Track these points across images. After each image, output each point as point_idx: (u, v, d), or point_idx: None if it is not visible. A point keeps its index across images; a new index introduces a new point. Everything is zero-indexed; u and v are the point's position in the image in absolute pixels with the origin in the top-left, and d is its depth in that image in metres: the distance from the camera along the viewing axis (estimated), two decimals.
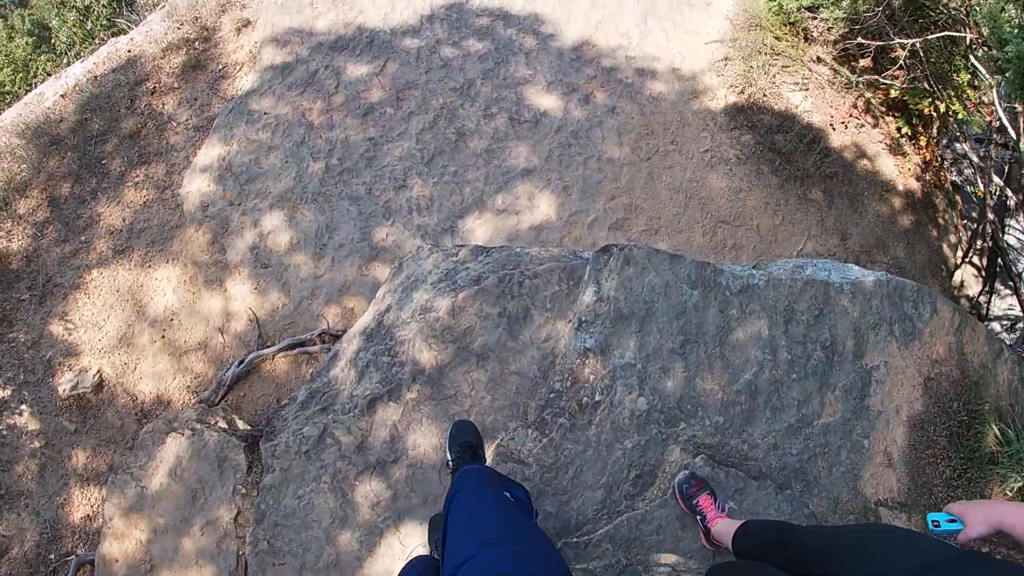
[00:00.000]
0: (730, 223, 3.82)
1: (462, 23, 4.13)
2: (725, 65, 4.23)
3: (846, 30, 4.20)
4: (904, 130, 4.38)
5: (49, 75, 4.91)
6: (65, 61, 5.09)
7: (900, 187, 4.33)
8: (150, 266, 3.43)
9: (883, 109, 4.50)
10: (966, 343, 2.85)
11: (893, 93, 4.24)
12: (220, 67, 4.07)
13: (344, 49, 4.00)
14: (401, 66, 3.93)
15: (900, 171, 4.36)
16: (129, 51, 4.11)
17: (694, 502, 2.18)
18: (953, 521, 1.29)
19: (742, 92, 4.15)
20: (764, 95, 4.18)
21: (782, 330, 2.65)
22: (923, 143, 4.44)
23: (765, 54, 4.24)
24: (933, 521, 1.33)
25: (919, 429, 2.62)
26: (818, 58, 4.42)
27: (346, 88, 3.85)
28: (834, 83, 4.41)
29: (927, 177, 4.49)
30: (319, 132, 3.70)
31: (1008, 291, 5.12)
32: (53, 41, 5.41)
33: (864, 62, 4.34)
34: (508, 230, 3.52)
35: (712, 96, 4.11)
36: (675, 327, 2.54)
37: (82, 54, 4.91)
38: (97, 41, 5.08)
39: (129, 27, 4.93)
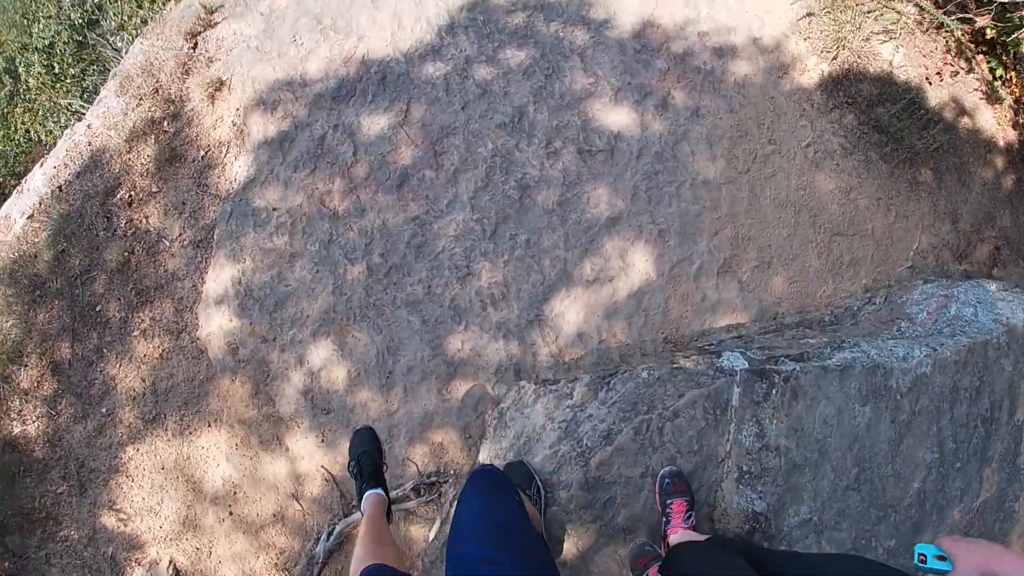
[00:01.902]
0: (844, 234, 3.28)
1: (492, 27, 3.20)
2: (809, 23, 3.46)
3: None
4: (999, 72, 3.76)
5: (28, 132, 4.70)
6: (40, 112, 4.75)
7: (1000, 142, 3.79)
8: (190, 433, 2.77)
9: (972, 47, 3.84)
10: None
11: (989, 33, 3.58)
12: (202, 154, 3.13)
13: (351, 97, 3.08)
14: (429, 105, 3.06)
15: (999, 122, 3.79)
16: (89, 144, 3.14)
17: (668, 501, 2.10)
18: (942, 559, 1.20)
19: (834, 58, 3.43)
20: (858, 57, 3.48)
21: (948, 418, 2.47)
22: (1014, 78, 3.84)
23: (854, 2, 3.47)
24: (920, 555, 1.24)
25: None
26: None
27: (367, 152, 2.99)
28: (922, 23, 3.70)
29: (1022, 120, 3.94)
30: (348, 222, 2.91)
31: None
32: (23, 89, 5.01)
33: None
34: (603, 304, 2.91)
35: (803, 68, 3.39)
36: (849, 459, 2.27)
37: (55, 99, 4.57)
38: (62, 104, 4.62)
39: (101, 47, 4.22)
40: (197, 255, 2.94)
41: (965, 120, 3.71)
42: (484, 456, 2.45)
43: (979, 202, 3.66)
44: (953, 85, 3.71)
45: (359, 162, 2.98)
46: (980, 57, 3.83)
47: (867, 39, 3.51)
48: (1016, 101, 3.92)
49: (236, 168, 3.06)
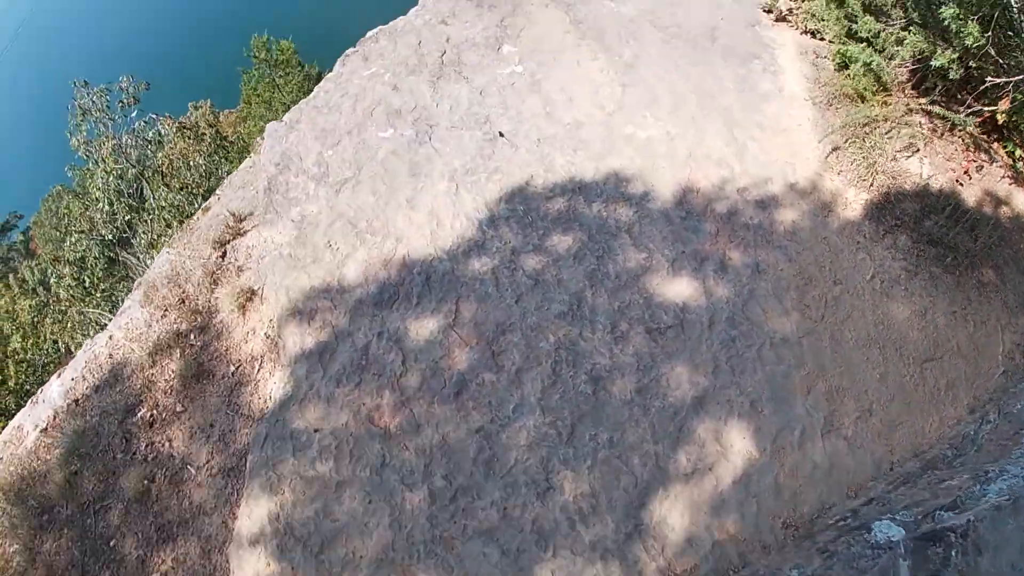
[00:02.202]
0: (934, 358, 3.11)
1: (534, 215, 3.16)
2: (838, 157, 3.47)
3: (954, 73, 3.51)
4: (1017, 153, 3.79)
5: (57, 342, 4.76)
6: (68, 325, 4.86)
7: None
8: None
9: (986, 138, 3.89)
10: None
11: (1000, 119, 3.62)
12: (232, 369, 2.96)
13: (394, 301, 2.96)
14: (479, 303, 2.94)
15: None
16: (110, 356, 2.98)
17: None
18: None
19: (871, 185, 3.41)
20: (892, 178, 3.47)
21: None
22: None
23: (872, 128, 3.50)
24: None
25: None
26: (909, 108, 3.72)
27: (417, 360, 2.82)
28: (936, 129, 3.74)
29: None
30: (403, 441, 2.67)
31: None
32: (52, 301, 5.27)
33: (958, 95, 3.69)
34: (708, 498, 2.63)
35: (844, 203, 3.35)
36: None
37: (84, 311, 4.67)
38: (92, 306, 4.73)
39: (132, 264, 4.24)
40: (227, 485, 2.67)
41: (1004, 209, 3.66)
42: None
43: None
44: (982, 180, 3.70)
45: (409, 371, 2.79)
46: (996, 145, 3.86)
47: (894, 159, 3.52)
48: None
49: (271, 385, 2.86)
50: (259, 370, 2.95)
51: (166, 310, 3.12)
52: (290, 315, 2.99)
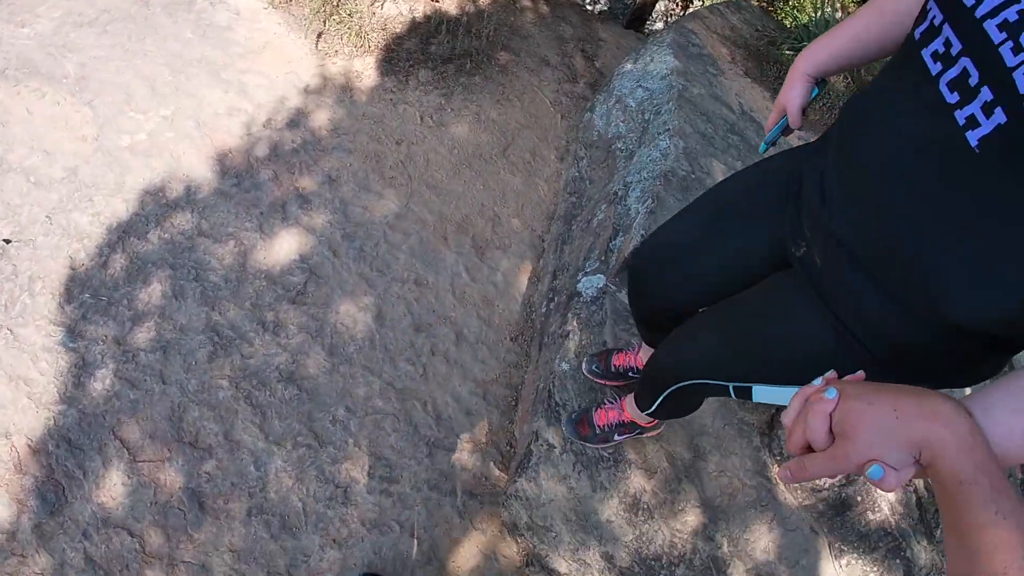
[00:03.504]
0: (510, 144, 3.52)
1: (107, 293, 2.75)
2: (328, 42, 3.51)
3: None
4: None
5: None
6: None
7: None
8: None
9: None
10: None
11: None
12: None
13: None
14: (134, 415, 2.58)
15: None
16: None
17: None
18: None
19: (370, 47, 3.54)
20: (383, 30, 3.63)
21: None
22: None
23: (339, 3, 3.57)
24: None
25: None
26: None
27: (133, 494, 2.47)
28: None
29: None
30: None
31: None
32: None
33: None
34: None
35: (358, 75, 3.47)
36: None
37: None
38: None
39: None
40: None
41: (480, 2, 4.10)
42: None
43: (549, 37, 4.13)
44: None
45: (144, 534, 2.44)
46: None
47: (373, 15, 3.66)
48: None
49: None
50: None
51: None
52: None
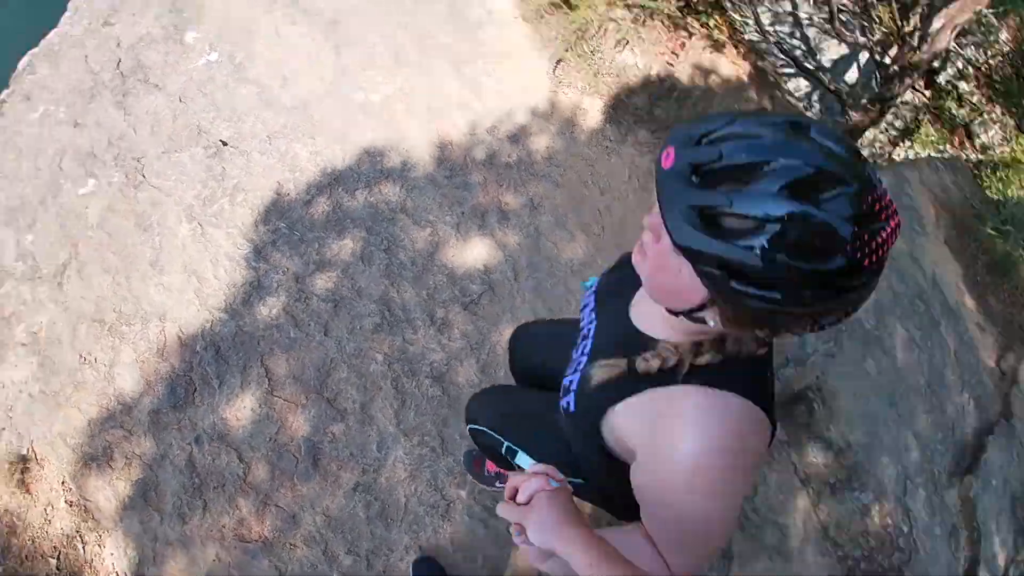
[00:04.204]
0: None
1: (301, 228, 2.80)
2: (565, 70, 3.57)
3: None
4: (712, 23, 4.23)
5: None
6: None
7: (744, 77, 4.29)
8: None
9: (681, 14, 4.26)
10: None
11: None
12: (54, 563, 2.35)
13: (191, 393, 2.52)
14: (288, 353, 2.60)
15: (733, 62, 4.28)
16: None
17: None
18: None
19: (601, 90, 3.59)
20: (617, 76, 3.68)
21: None
22: (719, 19, 4.35)
23: (583, 31, 3.64)
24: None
25: None
26: (608, 4, 3.93)
27: (252, 448, 2.47)
28: (638, 19, 4.01)
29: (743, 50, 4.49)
30: (287, 541, 2.42)
31: None
32: None
33: None
34: None
35: (584, 113, 3.50)
36: None
37: None
38: None
39: None
40: None
41: (713, 77, 4.12)
42: None
43: None
44: (688, 56, 4.08)
45: (252, 463, 2.50)
46: (691, 20, 4.26)
47: (612, 59, 3.72)
48: (730, 36, 4.44)
49: (109, 559, 2.42)
50: (85, 547, 2.42)
51: None
52: (83, 466, 2.46)
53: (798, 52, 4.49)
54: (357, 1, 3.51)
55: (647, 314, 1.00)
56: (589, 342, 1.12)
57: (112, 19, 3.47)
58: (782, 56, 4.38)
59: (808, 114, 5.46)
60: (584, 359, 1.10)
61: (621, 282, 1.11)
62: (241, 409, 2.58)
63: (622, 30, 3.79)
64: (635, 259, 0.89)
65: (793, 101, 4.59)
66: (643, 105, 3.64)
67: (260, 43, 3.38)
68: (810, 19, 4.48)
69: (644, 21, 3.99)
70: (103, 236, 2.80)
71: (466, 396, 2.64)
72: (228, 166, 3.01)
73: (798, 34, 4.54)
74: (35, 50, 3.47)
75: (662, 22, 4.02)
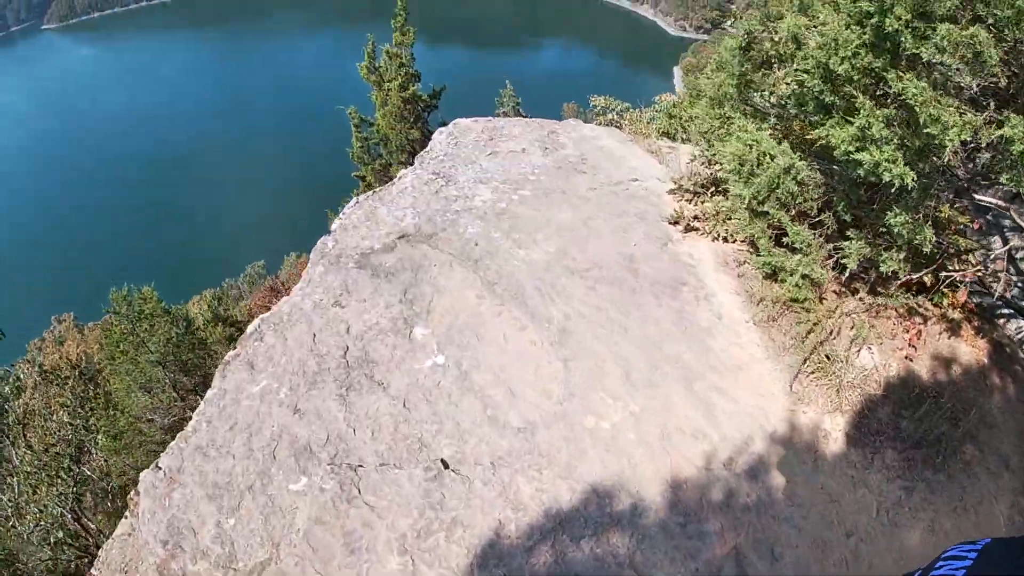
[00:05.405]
0: None
1: None
2: (802, 384, 3.30)
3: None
4: (945, 302, 3.80)
5: None
6: None
7: (985, 359, 3.77)
8: None
9: (914, 301, 3.88)
10: None
11: (927, 280, 3.62)
12: None
13: None
14: None
15: (970, 343, 3.80)
16: None
17: None
18: None
19: (839, 406, 3.27)
20: (858, 388, 3.36)
21: None
22: (950, 296, 3.89)
23: (818, 332, 3.36)
24: None
25: None
26: (840, 298, 3.65)
27: None
28: (870, 310, 3.69)
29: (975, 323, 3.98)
30: None
31: None
32: None
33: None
34: None
35: (825, 435, 3.20)
36: None
37: None
38: None
39: None
40: None
41: (955, 368, 3.67)
42: None
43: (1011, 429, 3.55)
44: (925, 345, 3.68)
45: None
46: (923, 300, 3.87)
47: (849, 363, 3.40)
48: (966, 317, 3.96)
49: None
50: None
51: None
52: None
53: None
54: (585, 307, 3.50)
55: None
56: None
57: (343, 300, 3.68)
58: None
59: None
60: None
61: None
62: None
63: (856, 325, 3.48)
64: None
65: None
66: (888, 419, 3.27)
67: (487, 349, 3.40)
68: None
69: (877, 312, 3.65)
70: (307, 548, 2.82)
71: None
72: (447, 494, 2.97)
73: None
74: (265, 316, 3.71)
75: (896, 310, 3.67)
